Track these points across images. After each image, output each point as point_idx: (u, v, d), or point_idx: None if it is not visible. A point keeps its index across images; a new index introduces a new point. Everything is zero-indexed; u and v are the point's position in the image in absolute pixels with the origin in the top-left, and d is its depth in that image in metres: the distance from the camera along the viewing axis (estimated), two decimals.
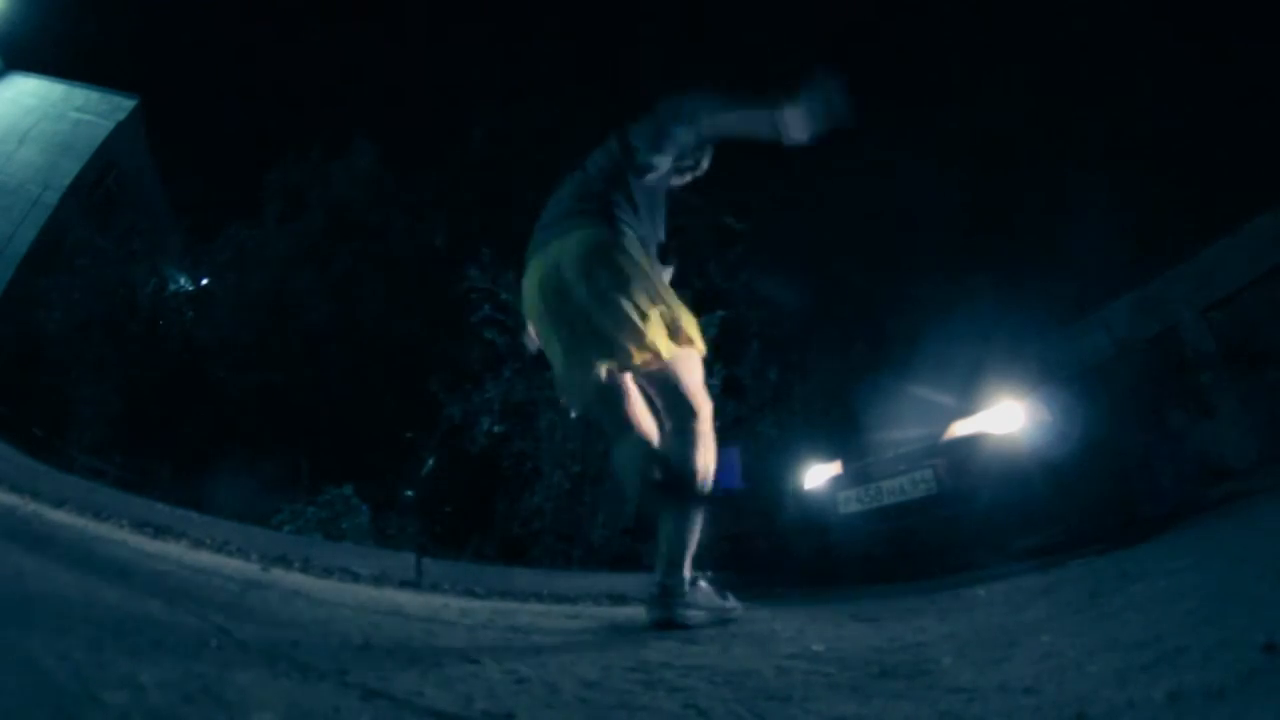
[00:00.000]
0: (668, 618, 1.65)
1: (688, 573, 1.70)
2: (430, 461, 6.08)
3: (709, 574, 1.86)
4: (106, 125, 11.96)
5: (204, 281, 8.82)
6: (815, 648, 1.35)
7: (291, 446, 6.50)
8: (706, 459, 1.74)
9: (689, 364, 1.75)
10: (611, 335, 1.63)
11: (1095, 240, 9.86)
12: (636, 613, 1.87)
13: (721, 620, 1.75)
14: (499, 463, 6.10)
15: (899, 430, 3.68)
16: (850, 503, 3.59)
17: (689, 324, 1.73)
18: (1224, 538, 2.39)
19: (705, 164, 2.08)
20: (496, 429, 5.87)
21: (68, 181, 11.05)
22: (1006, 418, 3.17)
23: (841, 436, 4.29)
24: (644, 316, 1.62)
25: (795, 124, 1.66)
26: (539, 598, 3.07)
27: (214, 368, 7.02)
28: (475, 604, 2.43)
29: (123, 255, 7.77)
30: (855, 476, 3.66)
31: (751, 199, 9.13)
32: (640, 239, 1.74)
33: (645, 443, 1.75)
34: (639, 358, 1.66)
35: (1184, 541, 2.47)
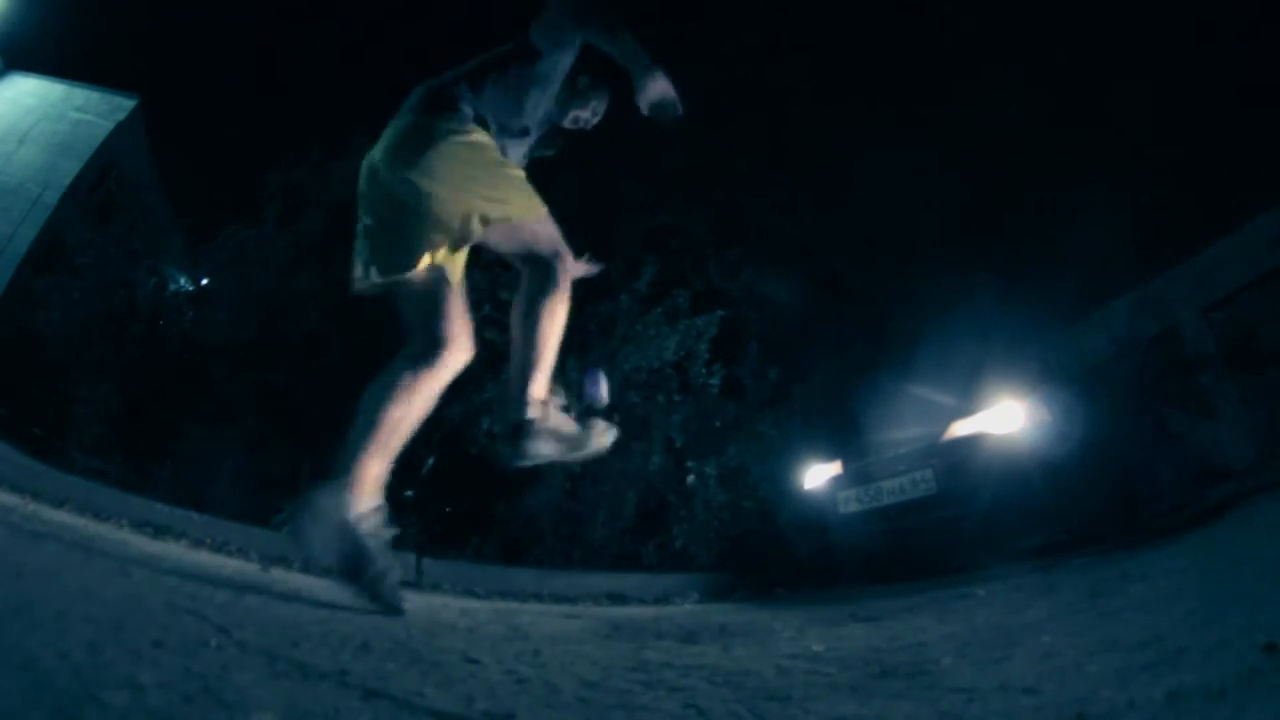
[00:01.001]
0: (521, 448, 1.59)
1: (541, 395, 1.63)
2: (430, 461, 6.07)
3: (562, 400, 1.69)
4: (106, 125, 11.97)
5: (204, 281, 8.80)
6: (815, 648, 1.35)
7: (292, 446, 6.50)
8: (547, 332, 1.65)
9: (528, 226, 1.64)
10: (408, 222, 1.56)
11: (1095, 240, 9.85)
12: (637, 613, 1.86)
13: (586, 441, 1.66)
14: (499, 463, 6.09)
15: (899, 430, 3.68)
16: (850, 503, 3.59)
17: (519, 199, 1.62)
18: (1224, 538, 2.39)
19: (597, 109, 2.00)
20: (496, 429, 5.87)
21: (68, 181, 11.05)
22: (1006, 418, 3.17)
23: (841, 436, 4.29)
24: (447, 202, 1.52)
25: (654, 88, 1.69)
26: (539, 598, 3.08)
27: (214, 368, 7.01)
28: (475, 604, 2.43)
29: (123, 255, 7.76)
30: (855, 476, 3.66)
31: (751, 200, 9.14)
32: (481, 118, 1.63)
33: (429, 367, 1.57)
34: (440, 248, 1.59)
35: (1184, 541, 2.47)
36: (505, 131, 1.69)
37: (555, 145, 1.95)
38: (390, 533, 1.49)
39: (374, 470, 1.47)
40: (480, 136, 1.60)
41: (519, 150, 1.77)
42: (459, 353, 1.64)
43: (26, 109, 11.79)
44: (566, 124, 1.96)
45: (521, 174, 1.67)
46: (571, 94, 1.89)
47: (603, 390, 1.86)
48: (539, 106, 1.77)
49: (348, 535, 1.39)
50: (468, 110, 1.61)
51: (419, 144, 1.55)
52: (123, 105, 12.34)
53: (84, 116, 11.93)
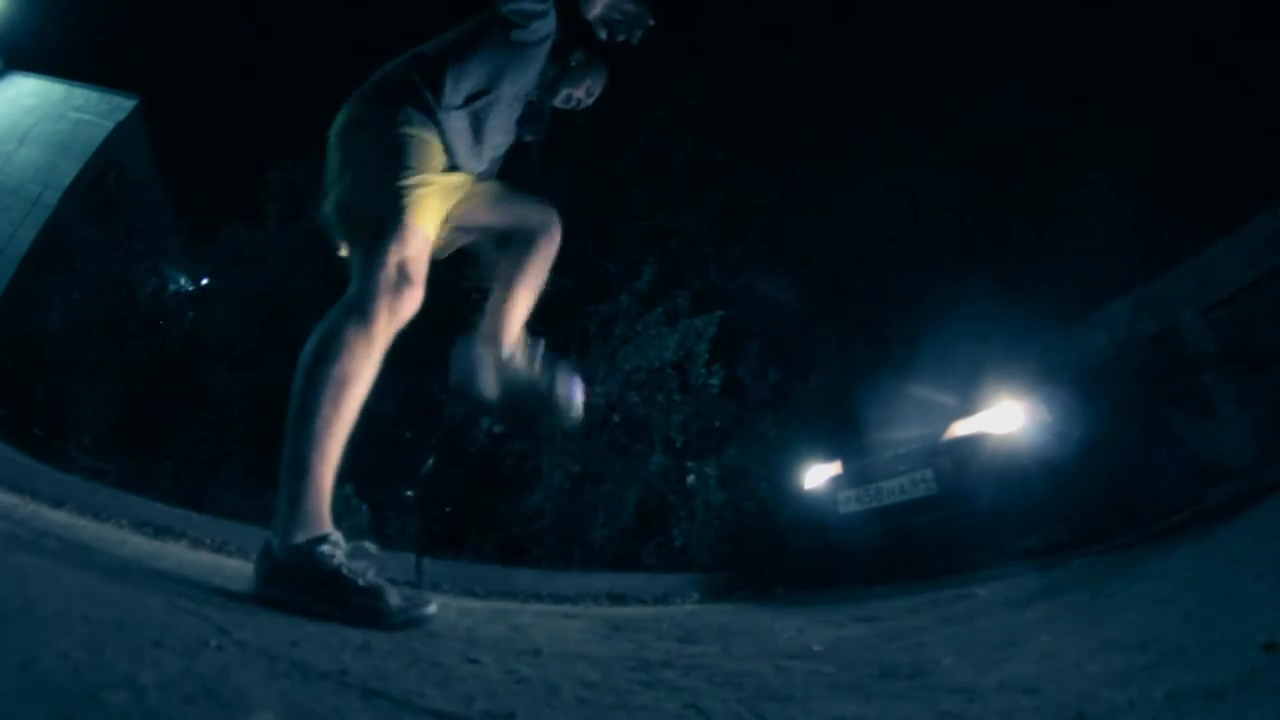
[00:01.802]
0: (261, 589, 1.21)
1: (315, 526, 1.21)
2: (430, 461, 6.08)
3: (372, 545, 1.27)
4: (106, 125, 11.97)
5: (204, 281, 8.81)
6: (815, 648, 1.35)
7: None
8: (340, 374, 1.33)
9: (391, 241, 1.39)
10: (334, 211, 1.50)
11: (1096, 240, 9.86)
12: (637, 613, 1.86)
13: (370, 617, 1.15)
14: (499, 463, 6.10)
15: (899, 430, 3.68)
16: (850, 503, 3.59)
17: (423, 209, 1.44)
18: (1224, 538, 2.39)
19: (592, 89, 1.87)
20: (496, 429, 5.87)
21: (68, 181, 11.05)
22: (1006, 418, 3.17)
23: (841, 436, 4.29)
24: (346, 203, 1.46)
25: None
26: (539, 598, 3.08)
27: (214, 368, 7.02)
28: (475, 604, 2.43)
29: (123, 255, 7.76)
30: (855, 476, 3.66)
31: (751, 200, 9.14)
32: (431, 117, 1.48)
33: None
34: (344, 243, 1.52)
35: (1184, 541, 2.47)
36: (476, 116, 1.55)
37: (541, 128, 1.78)
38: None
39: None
40: (410, 130, 1.46)
41: (493, 134, 1.61)
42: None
43: (26, 109, 11.79)
44: (559, 103, 1.83)
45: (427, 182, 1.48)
46: (564, 71, 1.78)
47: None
48: (512, 83, 1.60)
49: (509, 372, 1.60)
50: (411, 99, 1.48)
51: (351, 144, 1.50)
52: (123, 105, 12.33)
53: (84, 116, 11.93)
